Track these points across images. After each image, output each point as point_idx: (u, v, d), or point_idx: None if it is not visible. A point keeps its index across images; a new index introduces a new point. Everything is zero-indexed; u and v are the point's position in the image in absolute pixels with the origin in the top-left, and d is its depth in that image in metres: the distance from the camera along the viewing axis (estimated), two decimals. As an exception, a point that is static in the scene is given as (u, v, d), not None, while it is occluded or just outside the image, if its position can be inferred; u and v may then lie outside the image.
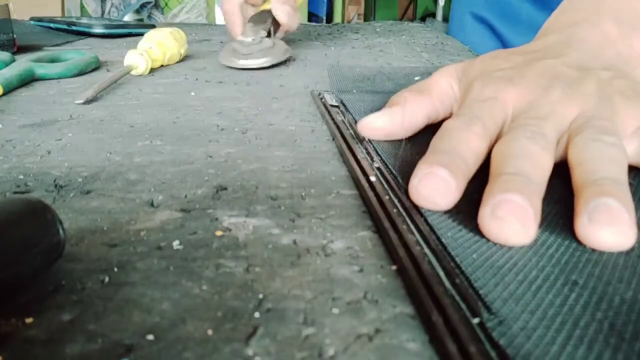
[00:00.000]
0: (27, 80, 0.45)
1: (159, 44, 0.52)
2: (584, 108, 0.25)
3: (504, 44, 0.70)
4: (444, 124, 0.26)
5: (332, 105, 0.37)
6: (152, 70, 0.51)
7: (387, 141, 0.30)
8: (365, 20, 2.90)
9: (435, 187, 0.22)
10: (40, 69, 0.46)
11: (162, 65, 0.53)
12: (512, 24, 0.69)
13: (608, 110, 0.25)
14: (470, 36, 0.74)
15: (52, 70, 0.47)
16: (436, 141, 0.25)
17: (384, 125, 0.30)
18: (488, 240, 0.20)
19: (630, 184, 0.22)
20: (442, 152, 0.23)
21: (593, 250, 0.19)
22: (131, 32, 0.74)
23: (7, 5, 0.57)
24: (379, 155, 0.28)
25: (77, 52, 0.54)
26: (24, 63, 0.46)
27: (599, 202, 0.20)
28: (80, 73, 0.49)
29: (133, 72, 0.48)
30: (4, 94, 0.41)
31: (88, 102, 0.39)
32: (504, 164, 0.22)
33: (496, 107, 0.27)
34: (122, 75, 0.45)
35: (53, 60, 0.50)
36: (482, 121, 0.25)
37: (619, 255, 0.19)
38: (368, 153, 0.28)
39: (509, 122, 0.26)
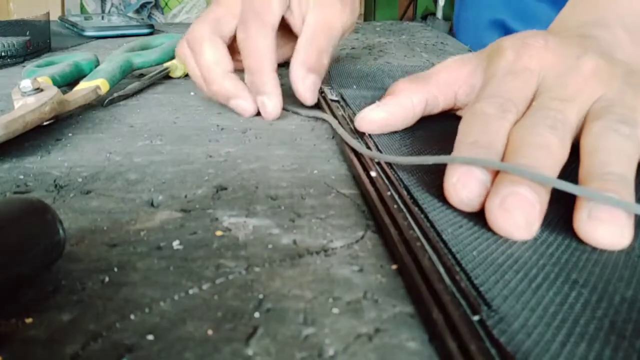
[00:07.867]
0: (129, 71, 0.43)
1: None
2: (609, 89, 0.25)
3: None
4: (475, 106, 0.25)
5: (332, 100, 0.37)
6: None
7: (388, 136, 0.30)
8: (365, 20, 2.89)
9: (473, 189, 0.21)
10: (138, 58, 0.44)
11: None
12: (531, 26, 0.67)
13: (631, 97, 0.24)
14: (484, 39, 0.72)
15: (149, 58, 0.45)
16: (469, 127, 0.23)
17: (381, 117, 0.29)
18: (488, 235, 0.20)
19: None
20: (479, 146, 0.22)
21: (593, 249, 0.19)
22: (125, 34, 0.69)
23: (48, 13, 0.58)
24: (380, 150, 0.28)
25: (166, 37, 0.52)
26: (120, 55, 0.44)
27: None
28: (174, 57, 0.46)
29: (172, 75, 0.47)
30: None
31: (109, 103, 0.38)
32: (520, 152, 0.22)
33: (529, 83, 0.25)
34: (158, 77, 0.44)
35: (144, 49, 0.48)
36: (516, 107, 0.24)
37: (619, 255, 0.19)
38: (368, 148, 0.28)
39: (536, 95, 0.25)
